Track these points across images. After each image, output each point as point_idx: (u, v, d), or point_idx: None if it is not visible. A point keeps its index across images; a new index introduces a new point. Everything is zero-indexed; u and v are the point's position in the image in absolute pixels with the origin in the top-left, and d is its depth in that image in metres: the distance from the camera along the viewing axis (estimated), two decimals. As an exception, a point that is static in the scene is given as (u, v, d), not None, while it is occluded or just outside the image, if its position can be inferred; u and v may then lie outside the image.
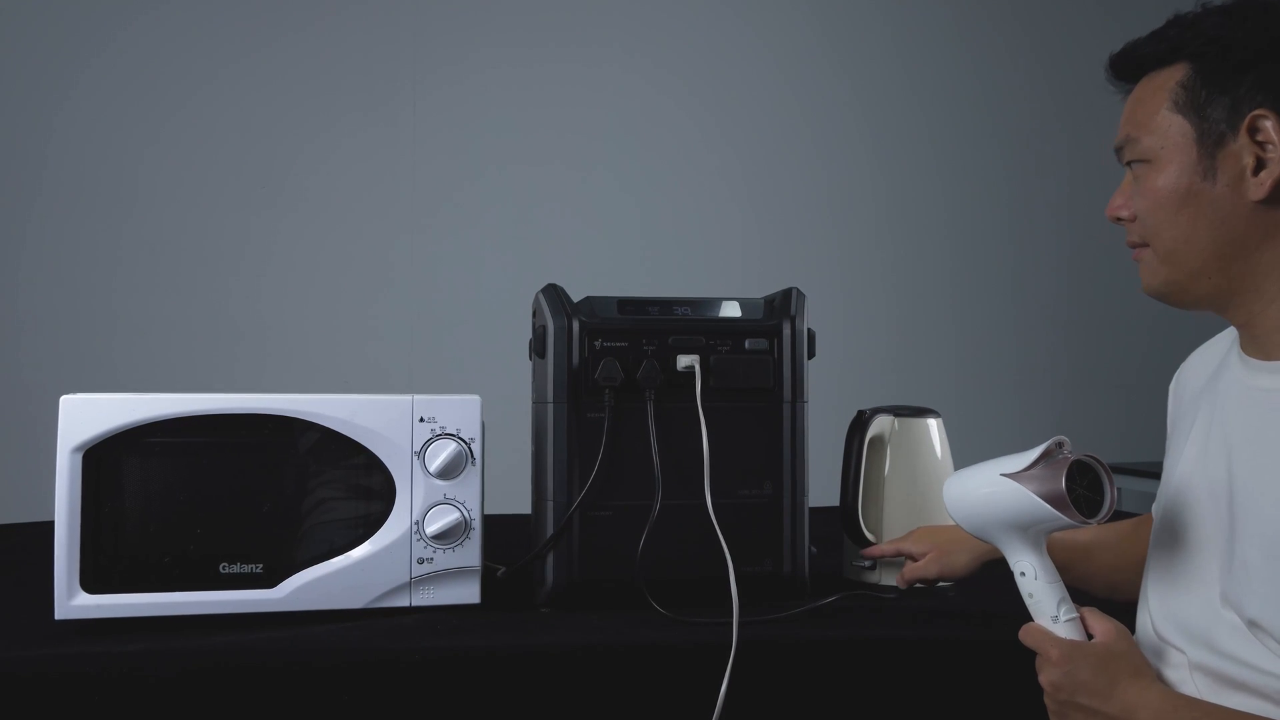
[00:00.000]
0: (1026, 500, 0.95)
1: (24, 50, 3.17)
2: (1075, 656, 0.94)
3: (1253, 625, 0.89)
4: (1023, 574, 0.99)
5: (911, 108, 3.77)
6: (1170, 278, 0.98)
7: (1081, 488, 0.94)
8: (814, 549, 1.34)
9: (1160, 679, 0.96)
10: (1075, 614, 0.97)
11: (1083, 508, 0.94)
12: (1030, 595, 0.99)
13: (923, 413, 1.43)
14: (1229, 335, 1.09)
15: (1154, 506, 1.22)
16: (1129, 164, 1.00)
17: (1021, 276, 3.83)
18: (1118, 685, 0.92)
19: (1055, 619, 0.97)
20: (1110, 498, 0.96)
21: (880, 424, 1.41)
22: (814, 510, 1.34)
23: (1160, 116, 0.96)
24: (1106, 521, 0.96)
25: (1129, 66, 1.02)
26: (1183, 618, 0.97)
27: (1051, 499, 0.93)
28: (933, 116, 3.78)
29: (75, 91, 3.19)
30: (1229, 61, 0.93)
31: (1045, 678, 0.95)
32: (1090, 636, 0.96)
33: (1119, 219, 1.02)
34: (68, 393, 1.14)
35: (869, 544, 1.40)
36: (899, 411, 1.42)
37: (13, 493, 2.61)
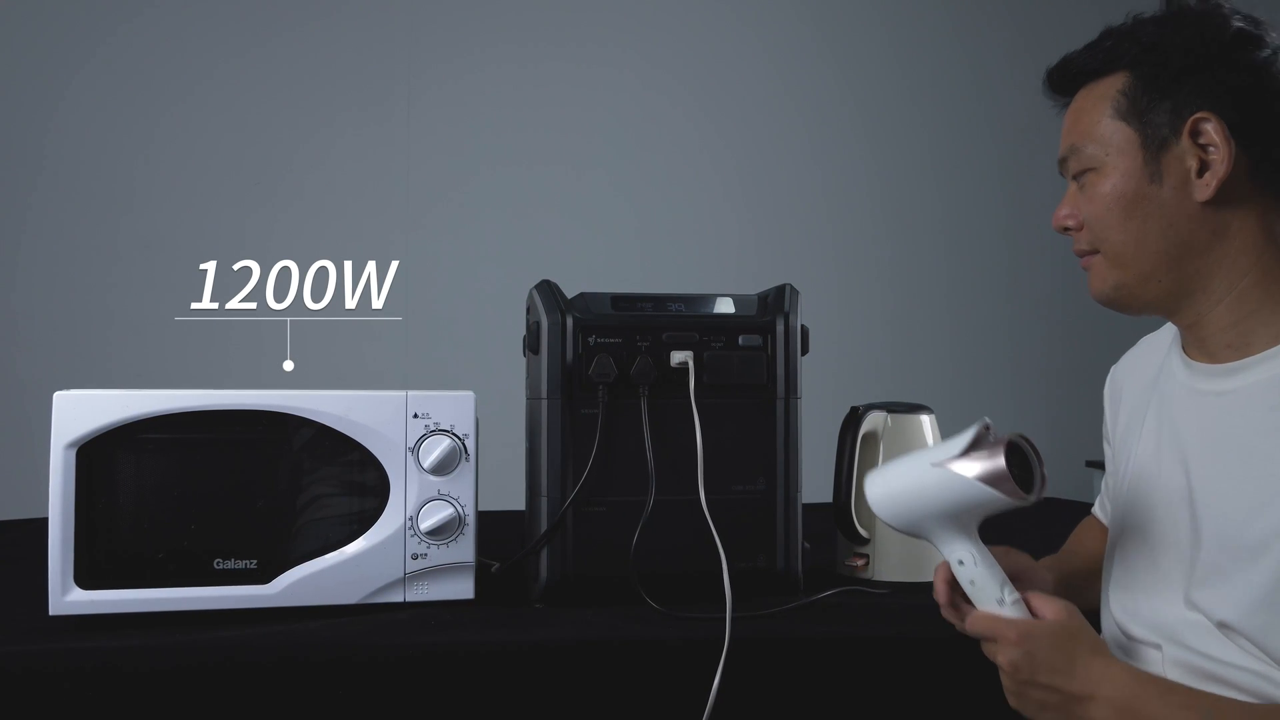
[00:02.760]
0: (965, 486, 0.94)
1: (20, 48, 3.17)
2: (1033, 635, 0.94)
3: (1224, 627, 0.90)
4: (961, 563, 0.99)
5: (905, 105, 3.78)
6: (1121, 281, 0.99)
7: (1014, 467, 0.94)
8: (807, 545, 1.35)
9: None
10: (1018, 595, 0.97)
11: (1021, 485, 0.94)
12: (972, 583, 0.98)
13: (916, 409, 1.44)
14: (1162, 338, 1.10)
15: (1098, 509, 1.24)
16: (1074, 175, 1.02)
17: (1015, 273, 3.84)
18: (1078, 661, 0.92)
19: (1001, 602, 0.97)
20: (1042, 475, 0.96)
21: (873, 420, 1.41)
22: (807, 506, 1.34)
23: (1103, 124, 0.98)
24: (1040, 499, 0.97)
25: (1066, 79, 1.04)
26: (1152, 619, 0.98)
27: (993, 479, 0.93)
28: (927, 113, 3.78)
29: (71, 89, 3.19)
30: (1168, 68, 0.95)
31: (1004, 658, 0.95)
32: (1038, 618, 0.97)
33: (1065, 229, 1.04)
34: (62, 389, 1.14)
35: (862, 540, 1.40)
36: (892, 408, 1.43)
37: (7, 489, 2.60)
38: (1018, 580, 1.05)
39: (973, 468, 0.94)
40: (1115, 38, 1.00)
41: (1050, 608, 0.96)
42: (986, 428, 0.96)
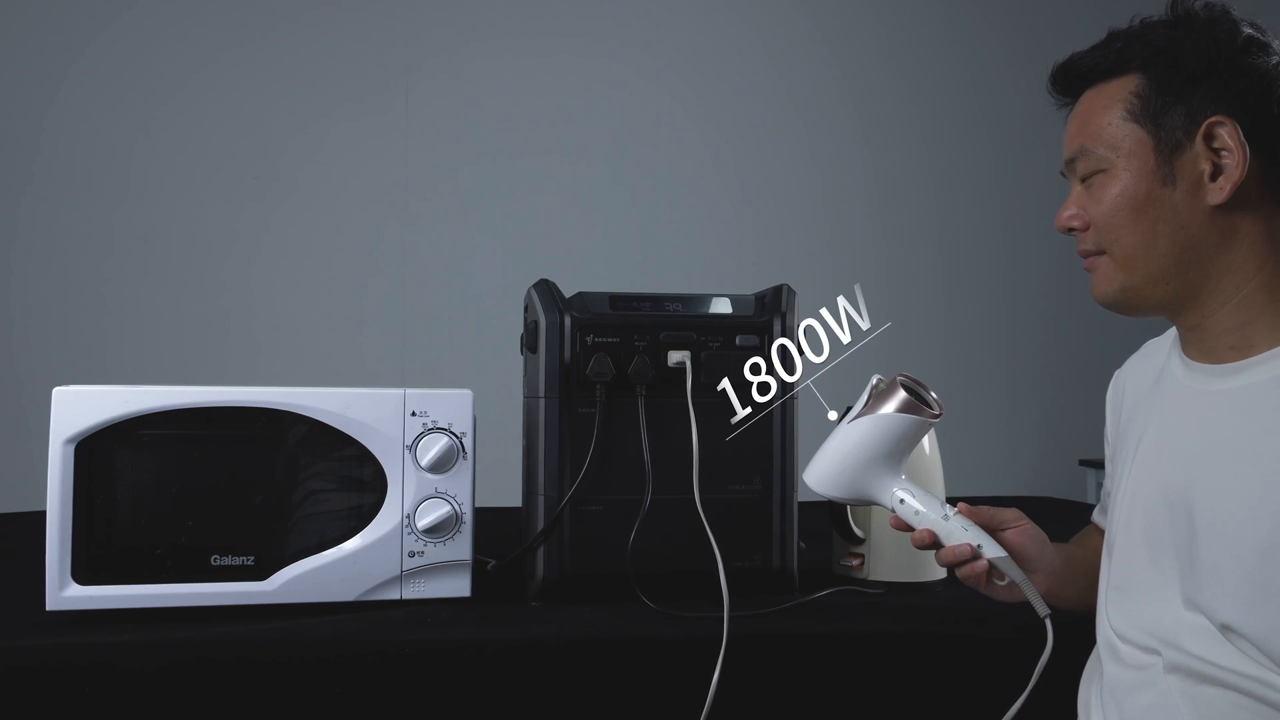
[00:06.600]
0: (887, 420, 1.08)
1: (16, 42, 3.16)
2: None
3: (1226, 629, 0.90)
4: (902, 500, 1.09)
5: (904, 105, 3.78)
6: (1128, 283, 1.00)
7: (914, 396, 1.08)
8: (803, 544, 1.35)
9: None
10: (956, 509, 1.08)
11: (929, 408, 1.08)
12: (917, 513, 1.09)
13: (912, 409, 1.44)
14: (1164, 341, 1.11)
15: (1098, 515, 1.24)
16: (1082, 177, 1.02)
17: (1012, 273, 3.85)
18: None
19: (946, 518, 1.07)
20: (935, 397, 1.10)
21: (870, 420, 1.42)
22: (803, 506, 1.35)
23: (1115, 126, 0.99)
24: (943, 413, 1.09)
25: (1073, 80, 1.05)
26: (1150, 622, 0.98)
27: (905, 407, 1.07)
28: (925, 113, 3.79)
29: (67, 83, 3.18)
30: (1181, 72, 0.96)
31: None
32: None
33: (1070, 229, 1.04)
34: (60, 384, 1.14)
35: (858, 540, 1.40)
36: (888, 408, 1.43)
37: (5, 484, 2.61)
38: (1006, 529, 1.12)
39: (887, 406, 1.08)
40: (1125, 40, 1.00)
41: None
42: (879, 380, 1.12)
